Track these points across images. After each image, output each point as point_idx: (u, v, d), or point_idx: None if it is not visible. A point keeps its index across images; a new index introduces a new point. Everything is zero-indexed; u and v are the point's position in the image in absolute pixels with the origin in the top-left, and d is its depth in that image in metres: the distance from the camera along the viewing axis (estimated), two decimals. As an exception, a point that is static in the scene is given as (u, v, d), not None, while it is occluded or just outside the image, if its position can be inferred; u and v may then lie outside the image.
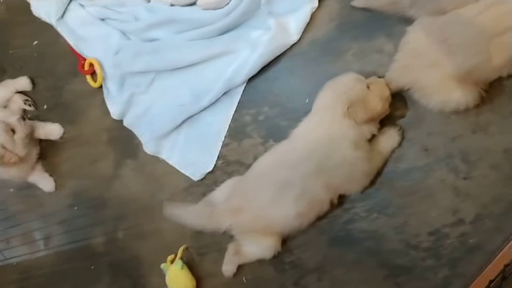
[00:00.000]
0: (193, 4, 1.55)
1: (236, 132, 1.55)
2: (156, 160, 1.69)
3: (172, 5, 1.57)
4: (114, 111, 1.74)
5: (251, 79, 1.52)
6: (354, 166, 1.24)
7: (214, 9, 1.49)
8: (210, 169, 1.57)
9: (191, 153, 1.61)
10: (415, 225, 1.33)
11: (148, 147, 1.68)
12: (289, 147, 1.31)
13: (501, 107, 1.26)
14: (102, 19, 1.75)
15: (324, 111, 1.24)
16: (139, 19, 1.65)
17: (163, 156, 1.66)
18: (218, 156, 1.57)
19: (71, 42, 1.81)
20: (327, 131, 1.22)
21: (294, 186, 1.26)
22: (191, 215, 1.52)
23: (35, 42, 1.97)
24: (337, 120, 1.21)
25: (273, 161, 1.33)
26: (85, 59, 1.80)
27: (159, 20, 1.58)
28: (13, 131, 1.70)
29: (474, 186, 1.27)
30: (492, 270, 1.12)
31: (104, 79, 1.76)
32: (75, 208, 1.89)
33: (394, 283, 1.36)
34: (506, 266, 1.14)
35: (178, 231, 1.64)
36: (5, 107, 1.92)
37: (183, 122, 1.60)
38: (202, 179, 1.60)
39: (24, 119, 1.76)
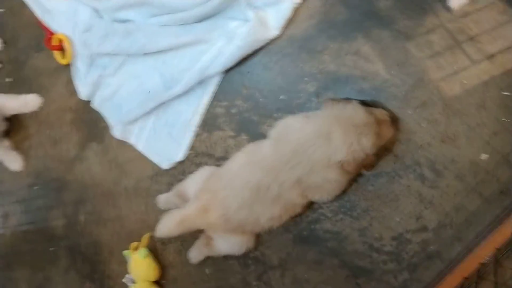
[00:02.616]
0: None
1: (207, 123, 1.55)
2: (122, 145, 1.68)
3: (146, -14, 1.53)
4: (82, 91, 1.71)
5: (225, 71, 1.51)
6: (335, 185, 1.27)
7: (192, -4, 1.48)
8: (179, 158, 1.57)
9: (160, 141, 1.60)
10: (379, 228, 1.37)
11: (116, 131, 1.66)
12: (269, 151, 1.28)
13: (470, 118, 1.31)
14: (72, -6, 1.70)
15: (321, 137, 1.21)
16: (107, -2, 1.62)
17: (131, 141, 1.65)
18: (188, 146, 1.57)
19: (38, 14, 1.76)
20: (317, 153, 1.20)
21: (270, 191, 1.25)
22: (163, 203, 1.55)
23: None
24: (331, 150, 1.19)
25: (249, 162, 1.31)
26: (53, 34, 1.76)
27: (132, 1, 1.54)
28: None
29: (438, 194, 1.31)
30: (451, 283, 1.18)
31: (73, 57, 1.73)
32: (35, 188, 1.87)
33: (355, 283, 1.40)
34: (465, 279, 1.20)
35: (140, 219, 1.66)
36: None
37: (153, 109, 1.58)
38: (169, 168, 1.59)
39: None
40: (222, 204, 1.31)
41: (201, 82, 1.52)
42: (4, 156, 1.89)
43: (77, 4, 1.68)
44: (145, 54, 1.57)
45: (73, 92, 1.75)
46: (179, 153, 1.57)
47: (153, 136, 1.61)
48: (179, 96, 1.54)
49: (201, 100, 1.54)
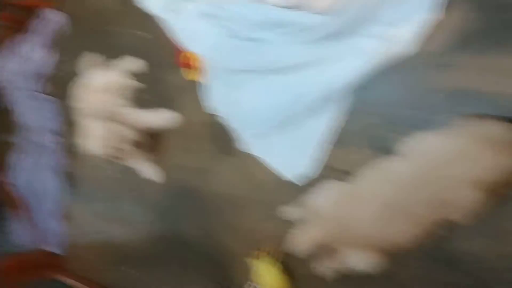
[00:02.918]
0: (301, 7, 1.57)
1: (339, 139, 1.58)
2: (251, 157, 1.78)
3: (280, 6, 1.59)
4: (211, 106, 1.84)
5: (357, 87, 1.53)
6: (474, 204, 1.22)
7: (324, 13, 1.50)
8: (306, 172, 1.63)
9: (287, 155, 1.67)
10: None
11: (245, 144, 1.77)
12: (403, 168, 1.29)
13: None
14: (206, 14, 1.81)
15: (461, 154, 1.19)
16: (243, 18, 1.69)
17: (260, 155, 1.74)
18: (319, 162, 1.62)
19: (171, 34, 1.92)
20: (457, 171, 1.18)
21: (403, 208, 1.25)
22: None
23: (136, 31, 2.11)
24: (472, 168, 1.16)
25: (380, 178, 1.32)
26: (183, 52, 1.90)
27: (264, 21, 1.61)
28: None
29: None
30: None
31: (201, 73, 1.86)
32: (172, 197, 2.05)
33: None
34: None
35: (268, 229, 1.75)
36: (109, 89, 2.11)
37: (280, 123, 1.66)
38: (296, 181, 1.66)
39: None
40: (352, 220, 1.34)
41: (328, 98, 1.56)
42: (145, 166, 2.10)
43: (209, 24, 1.80)
44: (273, 70, 1.64)
45: (204, 106, 1.89)
46: (306, 167, 1.63)
47: (281, 149, 1.69)
48: (310, 111, 1.59)
49: (329, 116, 1.57)
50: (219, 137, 1.87)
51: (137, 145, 1.98)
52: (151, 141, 2.07)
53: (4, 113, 2.82)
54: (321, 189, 1.51)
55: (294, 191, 1.66)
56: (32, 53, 2.48)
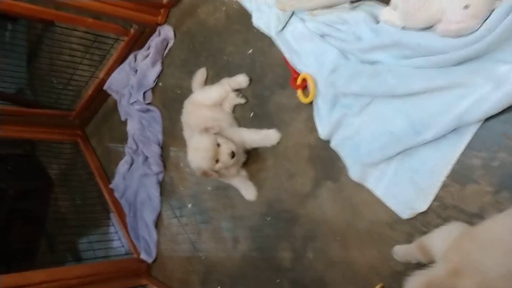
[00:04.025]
0: (428, 29, 1.48)
1: (458, 174, 1.44)
2: (358, 187, 1.68)
3: (403, 28, 1.52)
4: (322, 130, 1.78)
5: (487, 118, 1.38)
6: None
7: (455, 37, 1.40)
8: (422, 209, 1.49)
9: (401, 187, 1.55)
10: None
11: (353, 173, 1.67)
12: None
13: None
14: (321, 36, 1.80)
15: None
16: (362, 39, 1.65)
17: (368, 185, 1.64)
18: (433, 197, 1.48)
19: (286, 55, 1.91)
20: None
21: None
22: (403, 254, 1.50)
23: (250, 51, 2.15)
24: None
25: None
26: (298, 74, 1.89)
27: (385, 43, 1.55)
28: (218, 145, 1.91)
29: None
30: None
31: (315, 96, 1.83)
32: (267, 217, 2.02)
33: None
34: None
35: (370, 265, 1.63)
36: (217, 105, 2.17)
37: (397, 152, 1.54)
38: (410, 218, 1.53)
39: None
40: (478, 269, 1.18)
41: (455, 129, 1.43)
42: (241, 184, 2.10)
43: (324, 45, 1.77)
44: (393, 96, 1.55)
45: (312, 129, 1.84)
46: (423, 203, 1.49)
47: (394, 181, 1.57)
48: (429, 142, 1.48)
49: (454, 148, 1.44)
50: (323, 162, 1.82)
51: (237, 161, 2.01)
52: (249, 159, 2.09)
53: (117, 122, 3.02)
54: (441, 230, 1.38)
55: (404, 226, 1.55)
56: (143, 67, 2.64)
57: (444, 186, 1.46)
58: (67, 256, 3.46)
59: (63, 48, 3.38)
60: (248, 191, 2.09)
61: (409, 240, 1.51)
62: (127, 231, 2.85)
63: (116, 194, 2.99)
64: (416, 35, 1.48)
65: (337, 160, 1.76)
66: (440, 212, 1.47)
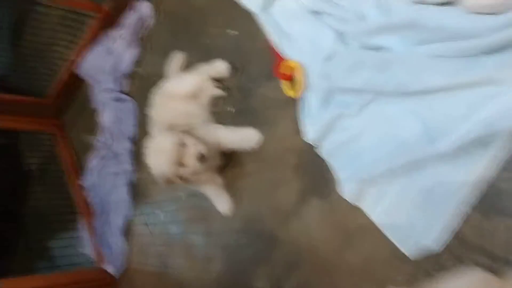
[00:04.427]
0: (448, 3, 1.12)
1: (484, 201, 1.07)
2: (351, 207, 1.33)
3: (417, 3, 1.16)
4: (310, 131, 1.43)
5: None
6: None
7: (488, 14, 1.05)
8: (432, 245, 1.13)
9: (406, 214, 1.19)
10: None
11: (345, 190, 1.32)
12: None
13: None
14: (316, 13, 1.45)
15: None
16: (365, 19, 1.29)
17: (364, 206, 1.29)
18: (449, 230, 1.11)
19: (273, 37, 1.57)
20: None
21: None
22: None
23: (233, 32, 1.81)
24: None
25: None
26: (284, 61, 1.55)
27: (394, 23, 1.19)
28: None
29: None
30: None
31: (305, 89, 1.48)
32: (243, 236, 1.68)
33: None
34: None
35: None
36: (191, 98, 1.84)
37: (404, 167, 1.18)
38: (416, 256, 1.17)
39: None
40: None
41: (481, 140, 1.07)
42: (215, 194, 1.76)
43: (319, 26, 1.42)
44: (404, 93, 1.20)
45: (300, 130, 1.49)
46: (433, 237, 1.13)
47: (398, 204, 1.21)
48: (446, 154, 1.11)
49: (478, 165, 1.07)
50: (312, 172, 1.46)
51: (209, 166, 1.68)
52: (225, 163, 1.76)
53: (89, 112, 2.71)
54: (455, 277, 1.03)
55: (408, 266, 1.18)
56: (117, 49, 2.32)
57: (464, 216, 1.10)
58: (38, 261, 3.17)
59: (44, 29, 3.09)
60: (223, 203, 1.74)
61: (413, 284, 1.16)
62: (94, 237, 2.54)
63: (86, 193, 2.67)
64: (436, 12, 1.12)
65: (328, 172, 1.41)
66: (456, 252, 1.10)
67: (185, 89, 1.81)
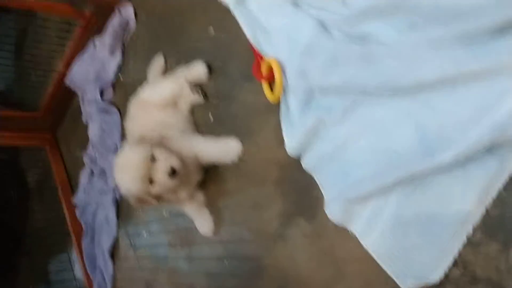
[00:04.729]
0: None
1: (497, 226, 0.84)
2: (342, 231, 1.10)
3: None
4: (291, 142, 1.21)
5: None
6: None
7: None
8: (435, 278, 0.90)
9: (404, 241, 0.96)
10: None
11: (332, 209, 1.09)
12: None
13: None
14: (295, 4, 1.23)
15: None
16: (347, 3, 1.08)
17: (354, 229, 1.06)
18: (454, 260, 0.89)
19: (248, 32, 1.36)
20: None
21: None
22: None
23: (212, 31, 1.62)
24: None
25: None
26: (262, 58, 1.34)
27: (380, 5, 0.97)
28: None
29: None
30: None
31: (284, 90, 1.26)
32: (225, 262, 1.47)
33: None
34: None
35: None
36: (173, 104, 1.65)
37: (400, 183, 0.95)
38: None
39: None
40: None
41: (493, 148, 0.83)
42: (195, 213, 1.56)
43: (299, 16, 1.19)
44: (395, 91, 0.97)
45: (283, 139, 1.26)
46: (436, 269, 0.90)
47: (392, 229, 0.97)
48: (450, 167, 0.87)
49: (491, 181, 0.83)
50: (296, 188, 1.24)
51: (188, 182, 1.49)
52: (205, 178, 1.57)
53: (81, 125, 2.56)
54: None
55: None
56: (100, 56, 2.15)
57: (473, 243, 0.87)
58: (38, 284, 3.03)
59: (43, 42, 2.98)
60: (204, 224, 1.54)
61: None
62: (82, 259, 2.37)
63: (77, 212, 2.52)
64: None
65: (314, 188, 1.18)
66: (462, 286, 0.87)
67: (159, 97, 1.63)
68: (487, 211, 0.85)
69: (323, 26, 1.14)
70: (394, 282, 0.98)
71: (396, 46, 0.97)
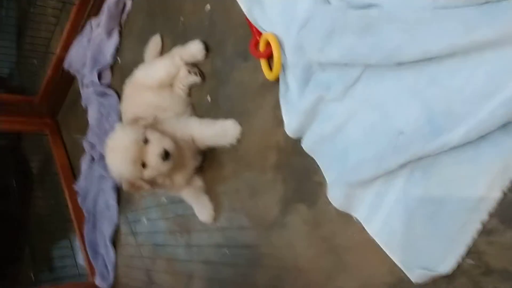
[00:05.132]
0: None
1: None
2: (344, 217, 1.02)
3: None
4: (290, 122, 1.13)
5: None
6: None
7: None
8: (445, 268, 0.82)
9: (412, 226, 0.87)
10: None
11: (333, 193, 1.02)
12: None
13: None
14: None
15: None
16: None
17: (358, 215, 0.98)
18: (466, 248, 0.80)
19: (243, 5, 1.27)
20: None
21: None
22: None
23: (208, 7, 1.54)
24: None
25: None
26: (260, 35, 1.26)
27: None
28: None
29: None
30: None
31: (283, 68, 1.18)
32: (224, 250, 1.42)
33: None
34: None
35: None
36: (171, 85, 1.59)
37: (404, 164, 0.87)
38: (424, 281, 0.86)
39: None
40: None
41: (509, 127, 0.74)
42: (194, 199, 1.49)
43: None
44: (399, 64, 0.87)
45: (281, 121, 1.20)
46: (446, 259, 0.82)
47: (398, 215, 0.90)
48: (460, 147, 0.79)
49: (506, 162, 0.75)
50: (295, 172, 1.16)
51: (184, 167, 1.42)
52: (203, 163, 1.50)
53: (80, 110, 2.50)
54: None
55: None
56: (96, 39, 2.08)
57: (486, 230, 0.78)
58: (42, 272, 3.02)
59: (41, 22, 2.92)
60: (203, 210, 1.48)
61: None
62: (84, 247, 2.34)
63: (79, 199, 2.48)
64: None
65: (316, 171, 1.11)
66: (475, 277, 0.79)
67: (156, 77, 1.56)
68: (505, 195, 0.77)
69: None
70: (401, 272, 0.91)
71: (397, 14, 0.87)
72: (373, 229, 0.96)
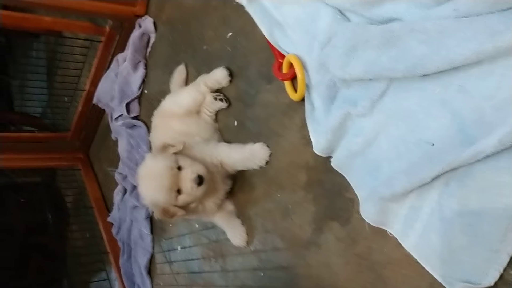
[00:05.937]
0: None
1: None
2: (379, 233, 1.02)
3: None
4: (318, 142, 1.14)
5: None
6: None
7: None
8: (488, 282, 0.80)
9: (451, 239, 0.86)
10: None
11: (366, 209, 1.01)
12: None
13: None
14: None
15: None
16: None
17: (392, 230, 0.97)
18: (509, 259, 0.79)
19: (264, 29, 1.30)
20: None
21: None
22: None
23: (229, 33, 1.58)
24: None
25: None
26: (282, 57, 1.28)
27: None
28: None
29: None
30: None
31: (307, 87, 1.20)
32: (260, 273, 1.41)
33: None
34: None
35: None
36: (198, 112, 1.62)
37: (438, 176, 0.86)
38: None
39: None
40: None
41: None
42: (226, 224, 1.50)
43: (315, 6, 1.11)
44: (425, 75, 0.88)
45: (309, 140, 1.20)
46: (488, 271, 0.80)
47: (436, 228, 0.88)
48: (494, 155, 0.77)
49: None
50: (326, 191, 1.16)
51: (215, 192, 1.44)
52: (237, 186, 1.51)
53: (110, 143, 2.56)
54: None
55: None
56: (123, 72, 2.13)
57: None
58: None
59: (68, 61, 3.03)
60: (236, 234, 1.48)
61: None
62: (121, 278, 2.36)
63: (113, 230, 2.51)
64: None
65: (347, 188, 1.11)
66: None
67: (181, 106, 1.59)
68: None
69: (341, 13, 1.07)
70: (441, 287, 0.90)
71: (420, 26, 0.88)
72: (410, 243, 0.95)
